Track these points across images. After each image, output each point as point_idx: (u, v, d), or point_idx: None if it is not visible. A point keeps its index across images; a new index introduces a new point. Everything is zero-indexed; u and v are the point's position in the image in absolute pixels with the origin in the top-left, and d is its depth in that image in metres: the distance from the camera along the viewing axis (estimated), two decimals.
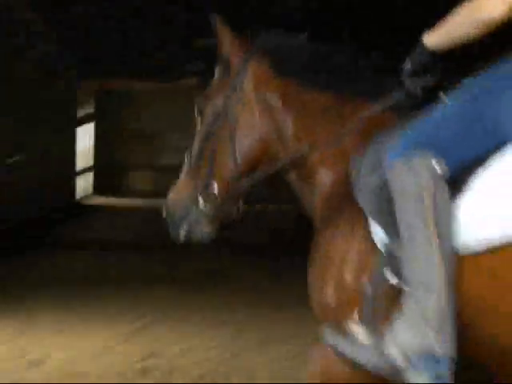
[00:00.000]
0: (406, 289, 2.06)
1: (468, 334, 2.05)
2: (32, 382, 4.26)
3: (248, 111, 2.56)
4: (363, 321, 2.15)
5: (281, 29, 2.58)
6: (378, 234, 2.16)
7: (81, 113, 16.17)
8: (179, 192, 2.69)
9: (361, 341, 2.15)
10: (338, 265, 2.24)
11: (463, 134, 2.10)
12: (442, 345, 1.99)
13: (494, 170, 2.03)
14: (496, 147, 2.05)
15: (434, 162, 2.06)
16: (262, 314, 5.95)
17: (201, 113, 2.66)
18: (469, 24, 2.06)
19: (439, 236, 2.02)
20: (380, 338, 2.10)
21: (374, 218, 2.16)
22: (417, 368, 2.02)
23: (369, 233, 2.18)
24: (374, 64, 2.53)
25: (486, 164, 2.05)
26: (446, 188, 2.05)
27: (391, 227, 2.11)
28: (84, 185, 16.52)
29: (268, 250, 8.66)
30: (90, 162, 17.61)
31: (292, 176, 2.61)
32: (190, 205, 2.63)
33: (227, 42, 2.59)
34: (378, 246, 2.16)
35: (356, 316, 2.17)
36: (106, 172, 18.08)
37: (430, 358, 2.00)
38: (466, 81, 2.18)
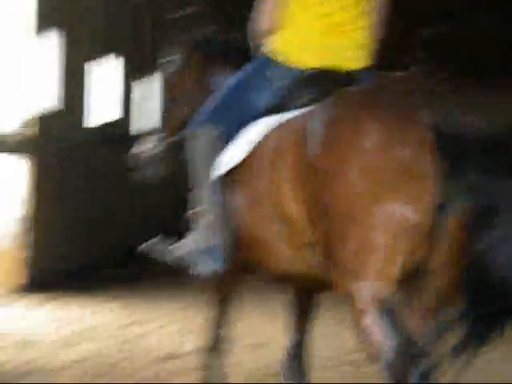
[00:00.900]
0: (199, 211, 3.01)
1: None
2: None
3: (185, 85, 3.58)
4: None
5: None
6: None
7: None
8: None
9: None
10: None
11: (238, 104, 3.00)
12: (216, 248, 2.95)
13: (245, 131, 2.91)
14: (253, 117, 2.93)
15: (212, 128, 2.97)
16: None
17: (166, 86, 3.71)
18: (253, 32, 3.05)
19: (209, 175, 2.94)
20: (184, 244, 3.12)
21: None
22: (197, 263, 3.00)
23: None
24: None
25: (247, 127, 2.93)
26: (218, 143, 2.96)
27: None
28: None
29: None
30: None
31: None
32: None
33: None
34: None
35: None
36: None
37: (205, 256, 2.98)
38: (244, 67, 3.09)
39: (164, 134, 3.61)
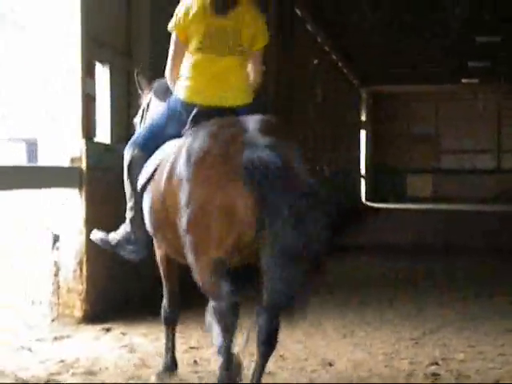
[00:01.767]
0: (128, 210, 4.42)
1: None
2: (324, 382, 4.50)
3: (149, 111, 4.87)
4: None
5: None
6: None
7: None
8: None
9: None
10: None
11: (160, 132, 4.27)
12: (136, 238, 4.32)
13: (161, 149, 4.18)
14: (165, 142, 4.22)
15: (135, 150, 4.31)
16: None
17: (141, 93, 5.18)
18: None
19: (132, 185, 4.30)
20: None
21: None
22: (121, 250, 4.42)
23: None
24: None
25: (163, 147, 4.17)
26: (141, 159, 4.26)
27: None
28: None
29: None
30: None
31: None
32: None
33: (143, 88, 5.14)
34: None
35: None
36: (381, 177, 18.33)
37: (127, 245, 4.37)
38: (169, 100, 4.39)
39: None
